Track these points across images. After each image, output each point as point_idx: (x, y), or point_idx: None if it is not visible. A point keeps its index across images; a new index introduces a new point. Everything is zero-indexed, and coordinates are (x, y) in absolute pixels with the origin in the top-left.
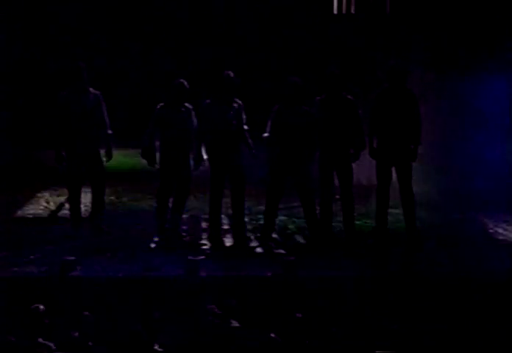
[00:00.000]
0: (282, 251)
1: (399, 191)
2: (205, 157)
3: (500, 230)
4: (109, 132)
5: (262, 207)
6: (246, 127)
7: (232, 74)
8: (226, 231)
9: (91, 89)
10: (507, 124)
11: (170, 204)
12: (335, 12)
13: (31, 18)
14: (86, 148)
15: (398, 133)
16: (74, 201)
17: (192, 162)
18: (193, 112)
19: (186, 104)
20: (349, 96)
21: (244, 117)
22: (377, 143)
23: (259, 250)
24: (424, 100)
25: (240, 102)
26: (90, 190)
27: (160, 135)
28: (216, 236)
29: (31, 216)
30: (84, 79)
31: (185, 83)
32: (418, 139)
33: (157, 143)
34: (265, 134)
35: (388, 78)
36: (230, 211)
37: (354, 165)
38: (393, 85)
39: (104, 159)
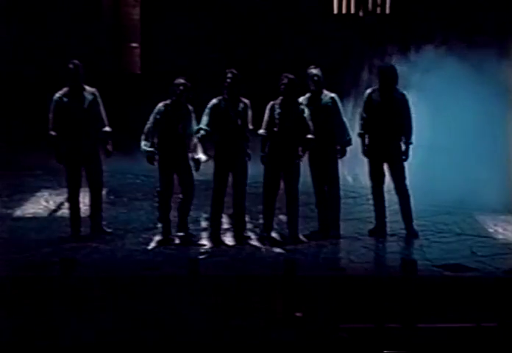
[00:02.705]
0: (281, 251)
1: (395, 190)
2: (203, 158)
3: (500, 230)
4: (107, 128)
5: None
6: (250, 127)
7: (236, 72)
8: (227, 230)
9: (87, 87)
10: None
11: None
12: (335, 11)
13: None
14: (85, 147)
15: (388, 132)
16: (73, 200)
17: (192, 163)
18: (193, 114)
19: (188, 105)
20: (332, 94)
21: (250, 116)
22: (368, 142)
23: (258, 249)
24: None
25: (246, 101)
26: (88, 189)
27: (159, 134)
28: (216, 235)
29: (30, 215)
30: (80, 78)
31: (187, 82)
32: (409, 138)
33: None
34: (261, 131)
35: (379, 78)
36: (230, 210)
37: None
38: (384, 85)
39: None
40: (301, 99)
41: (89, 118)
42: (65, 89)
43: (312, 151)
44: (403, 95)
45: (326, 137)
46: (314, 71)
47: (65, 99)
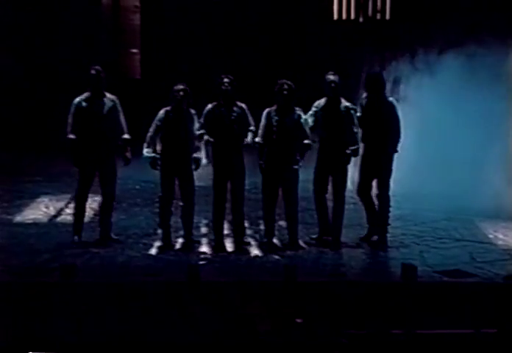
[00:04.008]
0: (282, 257)
1: (376, 196)
2: (204, 160)
3: (500, 235)
4: (126, 136)
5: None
6: (252, 128)
7: (230, 78)
8: (226, 236)
9: (108, 93)
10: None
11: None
12: (335, 17)
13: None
14: (101, 152)
15: (376, 139)
16: (80, 202)
17: (193, 166)
18: (195, 117)
19: (189, 109)
20: (347, 103)
21: (250, 120)
22: (363, 149)
23: (259, 255)
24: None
25: (242, 105)
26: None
27: (162, 140)
28: (219, 241)
29: (30, 221)
30: (102, 84)
31: (187, 88)
32: (394, 146)
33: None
34: (258, 139)
35: (366, 86)
36: (229, 216)
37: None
38: (371, 93)
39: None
40: (316, 103)
41: (107, 124)
42: (85, 94)
43: (321, 157)
44: (391, 102)
45: (337, 144)
46: (332, 77)
47: (84, 104)
